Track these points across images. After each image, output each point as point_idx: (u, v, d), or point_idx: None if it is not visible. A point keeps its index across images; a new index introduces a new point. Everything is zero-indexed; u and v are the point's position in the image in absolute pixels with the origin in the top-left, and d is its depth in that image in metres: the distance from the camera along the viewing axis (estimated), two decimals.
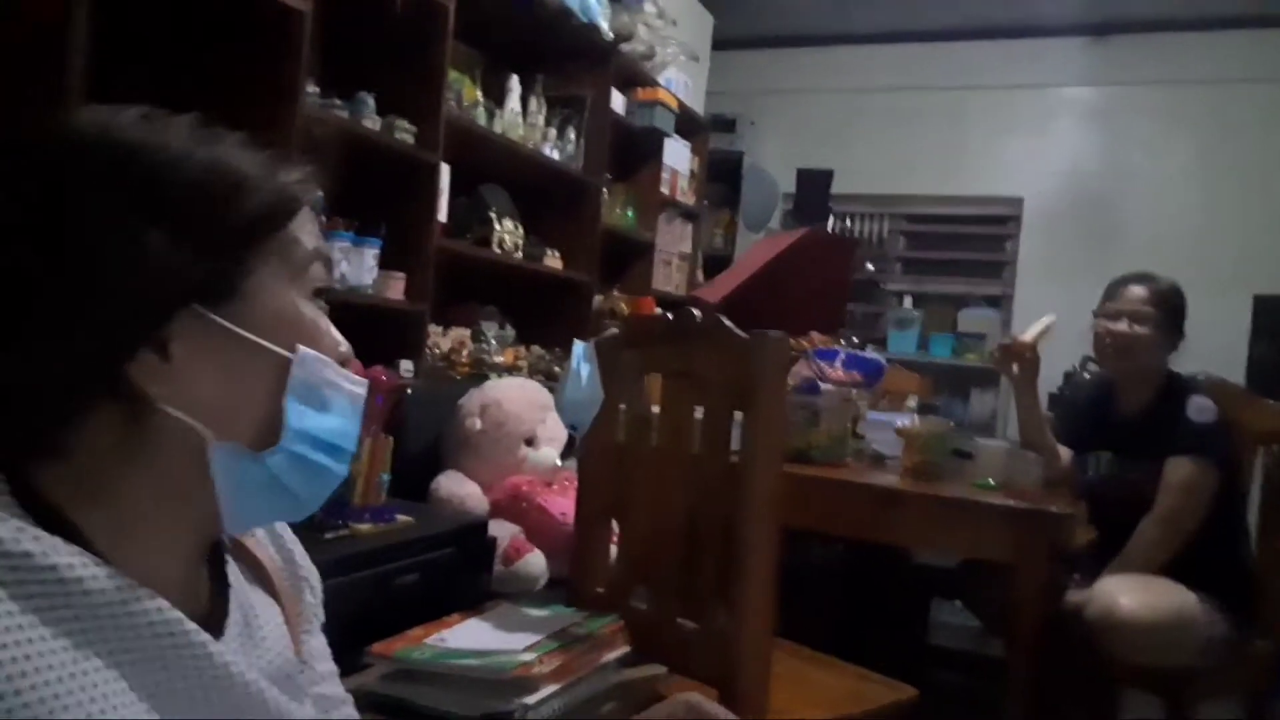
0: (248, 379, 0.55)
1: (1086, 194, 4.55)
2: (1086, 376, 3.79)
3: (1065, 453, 2.12)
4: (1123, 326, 2.00)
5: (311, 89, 1.94)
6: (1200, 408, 1.91)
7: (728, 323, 1.30)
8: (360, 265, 2.14)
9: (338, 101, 2.08)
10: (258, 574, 0.67)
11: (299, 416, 0.56)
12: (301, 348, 0.56)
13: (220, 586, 0.62)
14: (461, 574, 1.52)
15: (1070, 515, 1.76)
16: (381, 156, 2.21)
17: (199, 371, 0.53)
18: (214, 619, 0.59)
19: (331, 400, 0.58)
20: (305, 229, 0.58)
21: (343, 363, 0.60)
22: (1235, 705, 2.01)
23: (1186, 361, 2.09)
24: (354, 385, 0.60)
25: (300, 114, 1.78)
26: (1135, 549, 1.89)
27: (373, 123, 2.16)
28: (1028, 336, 2.05)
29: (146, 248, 0.50)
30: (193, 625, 0.53)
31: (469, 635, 1.22)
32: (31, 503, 0.50)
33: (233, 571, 0.64)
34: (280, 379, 0.56)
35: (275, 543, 0.71)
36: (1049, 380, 2.67)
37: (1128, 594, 1.73)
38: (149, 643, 0.51)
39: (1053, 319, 2.07)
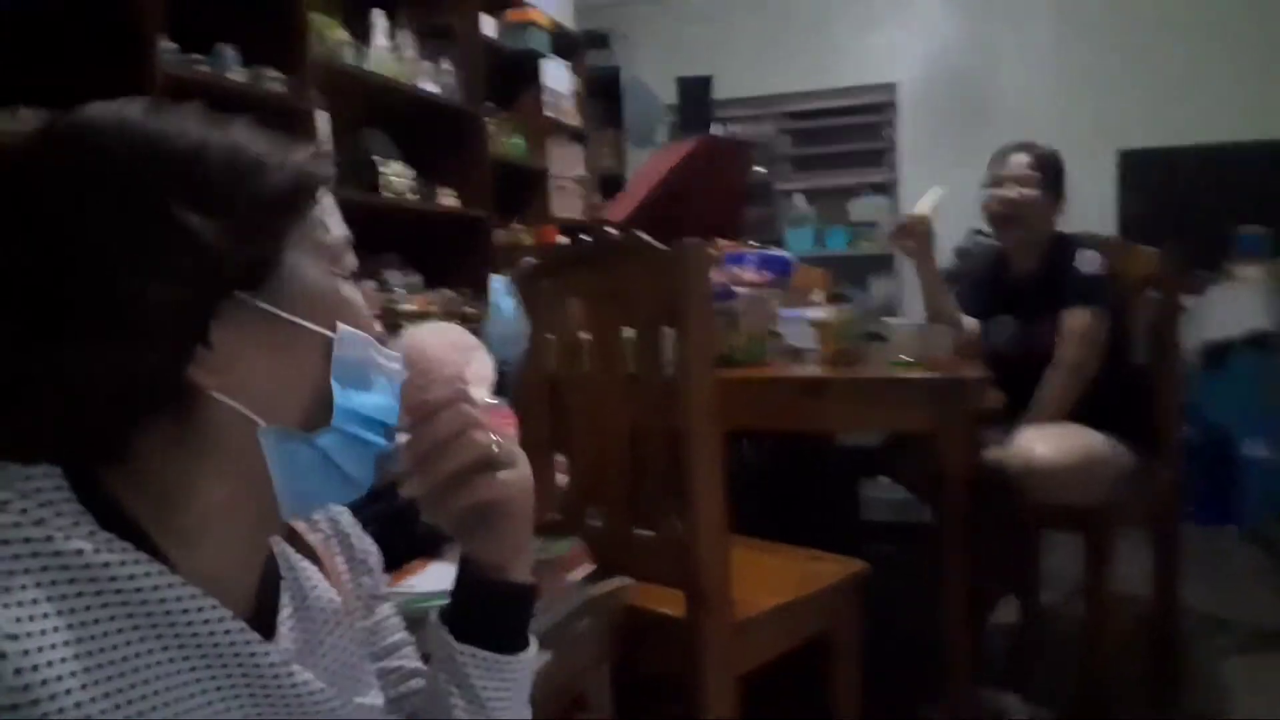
0: (292, 361, 0.55)
1: (955, 73, 4.66)
2: (975, 248, 3.96)
3: (970, 322, 2.22)
4: (1011, 193, 2.09)
5: (167, 45, 1.81)
6: (1088, 260, 2.03)
7: (647, 238, 1.30)
8: None
9: (197, 56, 1.95)
10: (314, 560, 0.67)
11: (346, 395, 0.56)
12: (343, 325, 0.56)
13: (272, 579, 0.62)
14: (415, 522, 1.51)
15: (984, 379, 1.86)
16: (253, 110, 2.09)
17: (244, 356, 0.52)
18: (264, 616, 0.59)
19: (374, 378, 0.58)
20: (329, 213, 0.58)
21: (381, 342, 0.60)
22: (1146, 532, 2.18)
23: (1064, 222, 2.21)
24: (394, 363, 0.61)
25: (158, 72, 1.66)
26: (1044, 399, 2.01)
27: (238, 75, 2.03)
28: (920, 210, 2.12)
29: (183, 239, 0.49)
30: (250, 633, 0.54)
31: (435, 579, 1.22)
32: (100, 507, 0.50)
33: (286, 563, 0.64)
34: (325, 359, 0.55)
35: (332, 526, 0.72)
36: (941, 258, 2.78)
37: (1043, 443, 1.85)
38: (209, 650, 0.52)
39: (941, 190, 2.15)
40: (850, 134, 5.01)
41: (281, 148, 0.55)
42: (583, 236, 1.45)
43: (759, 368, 1.99)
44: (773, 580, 1.52)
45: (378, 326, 0.61)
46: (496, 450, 0.60)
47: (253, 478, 0.54)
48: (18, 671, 0.44)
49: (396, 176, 2.64)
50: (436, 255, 2.97)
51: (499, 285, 1.45)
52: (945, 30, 4.68)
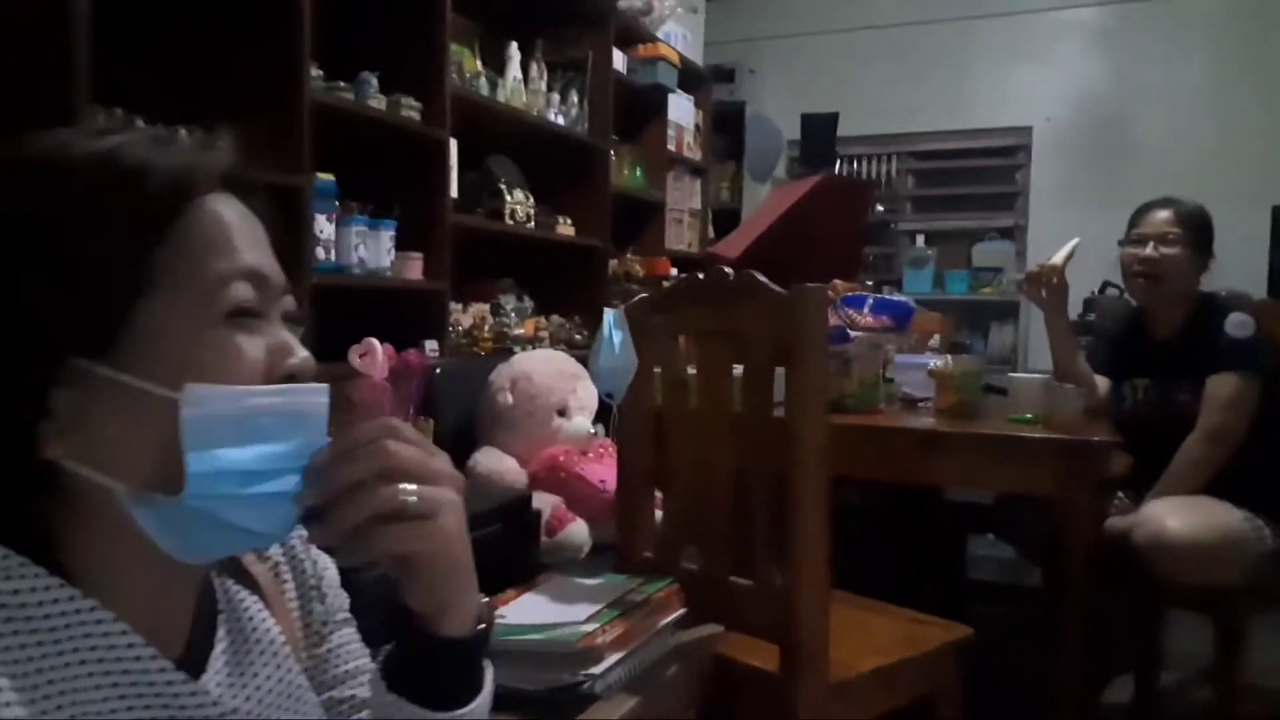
0: (140, 426, 0.49)
1: (1096, 117, 4.47)
2: (1107, 301, 3.77)
3: (1102, 382, 2.10)
4: (1150, 251, 1.99)
5: (315, 73, 1.91)
6: (1239, 323, 1.90)
7: (764, 279, 1.29)
8: (378, 248, 2.13)
9: (342, 84, 2.05)
10: (255, 589, 0.64)
11: (204, 458, 0.48)
12: (190, 386, 0.48)
13: (209, 614, 0.59)
14: (511, 549, 1.53)
15: (1112, 444, 1.76)
16: (389, 136, 2.19)
17: (92, 422, 0.49)
18: (197, 651, 0.57)
19: (250, 428, 0.50)
20: (218, 240, 0.51)
21: (291, 376, 0.53)
22: None
23: (1209, 278, 2.07)
24: (290, 398, 0.52)
25: (306, 99, 1.75)
26: (1180, 468, 1.88)
27: (378, 102, 2.13)
28: (1056, 260, 2.03)
29: (29, 305, 0.47)
30: (171, 669, 0.52)
31: (527, 610, 1.22)
32: (32, 545, 0.49)
33: (225, 596, 0.61)
34: (174, 423, 0.48)
35: (285, 552, 0.68)
36: (1070, 309, 2.65)
37: (1175, 515, 1.73)
38: (128, 682, 0.50)
39: (1078, 241, 2.05)
40: (979, 176, 4.86)
41: (159, 162, 0.50)
42: (698, 274, 1.44)
43: (871, 415, 1.94)
44: (873, 640, 1.46)
45: (294, 360, 0.54)
46: (412, 501, 0.51)
47: (134, 537, 0.50)
48: None
49: (519, 204, 2.71)
50: (552, 281, 3.03)
51: (609, 318, 1.45)
52: (1088, 71, 4.50)
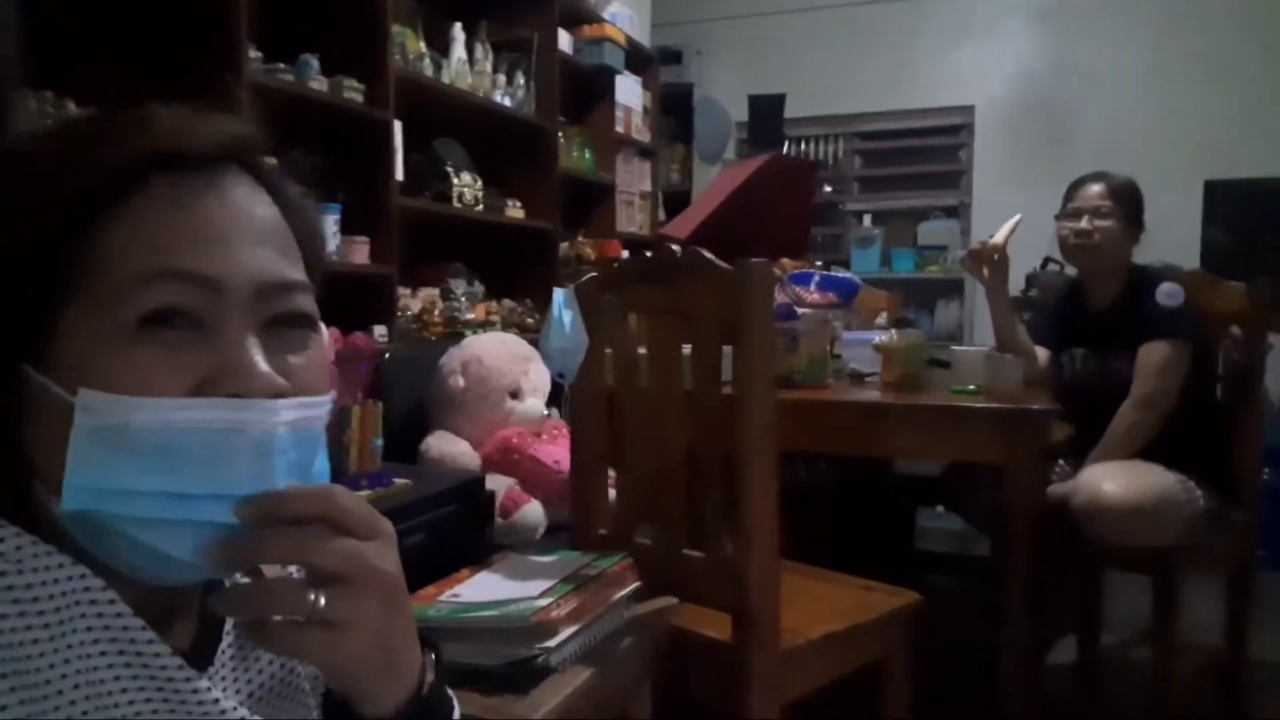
0: (54, 429, 0.45)
1: (1037, 96, 4.54)
2: (1047, 276, 3.86)
3: (1042, 353, 2.16)
4: (1085, 224, 2.04)
5: (254, 54, 1.87)
6: (1169, 293, 1.96)
7: (710, 256, 1.30)
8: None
9: (282, 66, 2.01)
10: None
11: (93, 470, 0.45)
12: (85, 390, 0.44)
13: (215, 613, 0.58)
14: (465, 530, 1.53)
15: (1051, 411, 1.81)
16: (332, 118, 2.15)
17: (26, 423, 0.47)
18: (200, 650, 0.55)
19: (165, 443, 0.45)
20: (145, 233, 0.46)
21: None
22: (1218, 577, 2.09)
23: (1143, 252, 2.14)
24: (216, 412, 0.46)
25: (245, 80, 1.72)
26: (1115, 434, 1.95)
27: (320, 84, 2.09)
28: (998, 238, 2.08)
29: None
30: (179, 662, 0.50)
31: (482, 588, 1.23)
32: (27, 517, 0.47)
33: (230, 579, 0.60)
34: (66, 429, 0.45)
35: None
36: (1013, 284, 2.71)
37: (1111, 480, 1.79)
38: (135, 672, 0.48)
39: (1019, 218, 2.10)
40: (923, 156, 4.93)
41: (71, 148, 0.47)
42: (646, 252, 1.44)
43: (819, 390, 1.97)
44: (823, 608, 1.49)
45: (247, 380, 0.47)
46: (320, 607, 0.46)
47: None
48: None
49: (467, 187, 2.69)
50: (501, 265, 3.01)
51: (559, 297, 1.45)
52: (1030, 51, 4.58)
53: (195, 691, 0.50)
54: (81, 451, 0.44)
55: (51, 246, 0.45)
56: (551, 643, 1.10)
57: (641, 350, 1.46)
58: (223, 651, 0.57)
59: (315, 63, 2.09)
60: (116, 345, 0.45)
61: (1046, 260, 4.04)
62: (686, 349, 1.36)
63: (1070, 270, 2.26)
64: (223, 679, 0.56)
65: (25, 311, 0.45)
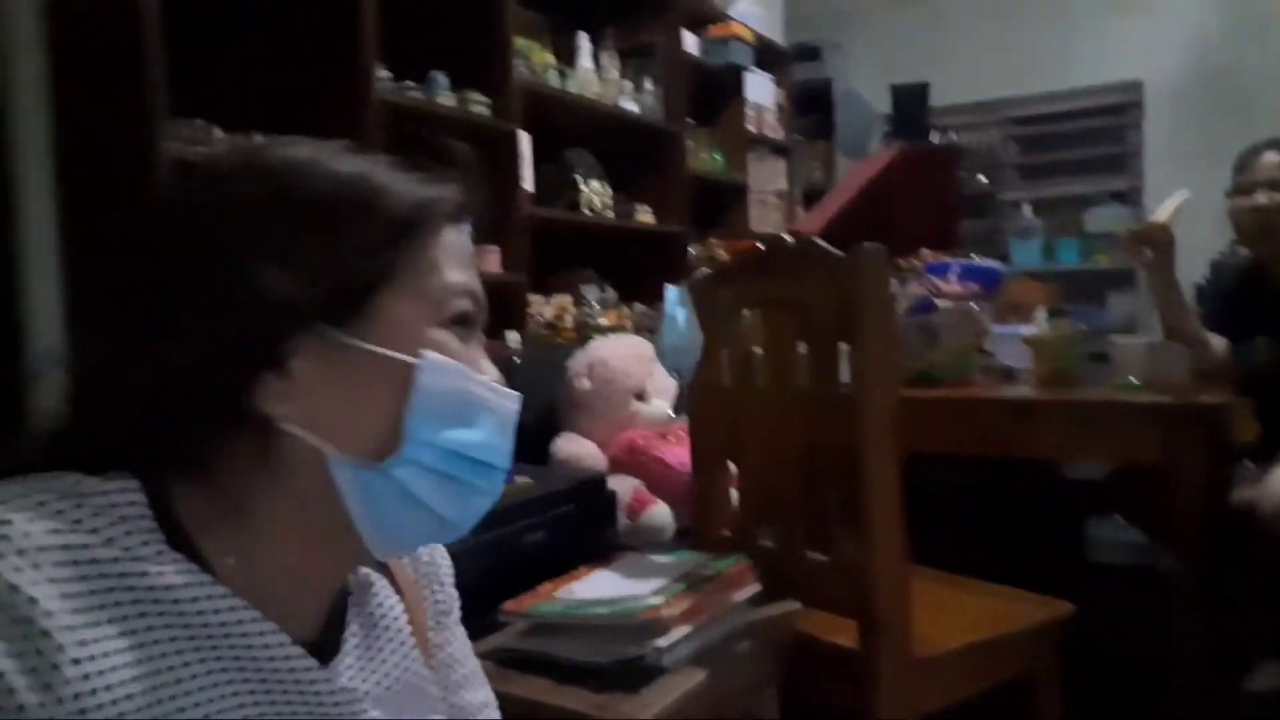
0: (370, 391, 0.54)
1: (1214, 66, 4.16)
2: (1231, 260, 3.50)
3: (1219, 341, 1.95)
4: (1261, 199, 1.83)
5: (383, 73, 1.96)
6: None
7: (820, 242, 1.24)
8: None
9: (410, 83, 2.10)
10: (384, 572, 0.66)
11: (426, 426, 0.54)
12: (429, 353, 0.54)
13: (341, 597, 0.61)
14: (585, 528, 1.53)
15: (1226, 405, 1.62)
16: (461, 132, 2.23)
17: (322, 387, 0.52)
18: (329, 641, 0.59)
19: (468, 412, 0.56)
20: (449, 259, 0.57)
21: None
22: None
23: None
24: (499, 398, 0.58)
25: (374, 99, 1.80)
26: None
27: (447, 99, 2.17)
28: (1159, 217, 1.90)
29: (263, 274, 0.51)
30: (305, 659, 0.54)
31: (597, 586, 1.22)
32: (170, 525, 0.51)
33: (355, 579, 0.63)
34: (401, 394, 0.54)
35: None
36: (1193, 271, 2.47)
37: None
38: (261, 671, 0.52)
39: (1185, 195, 1.91)
40: (1087, 138, 4.60)
41: (406, 184, 0.56)
42: (759, 245, 1.40)
43: (962, 386, 1.86)
44: (965, 617, 1.39)
45: (489, 373, 0.59)
46: None
47: (324, 511, 0.54)
48: (86, 676, 0.45)
49: (597, 195, 2.72)
50: (634, 270, 3.02)
51: (673, 296, 1.43)
52: (1201, 19, 4.19)
53: (326, 682, 0.55)
54: (422, 405, 0.54)
55: (391, 245, 0.55)
56: (663, 642, 1.08)
57: (757, 348, 1.41)
58: (346, 641, 0.60)
59: (443, 79, 2.16)
60: (436, 333, 0.55)
61: (1234, 244, 3.67)
62: (804, 347, 1.31)
63: (1245, 250, 2.03)
64: (348, 667, 0.59)
65: (350, 287, 0.53)
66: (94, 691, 0.45)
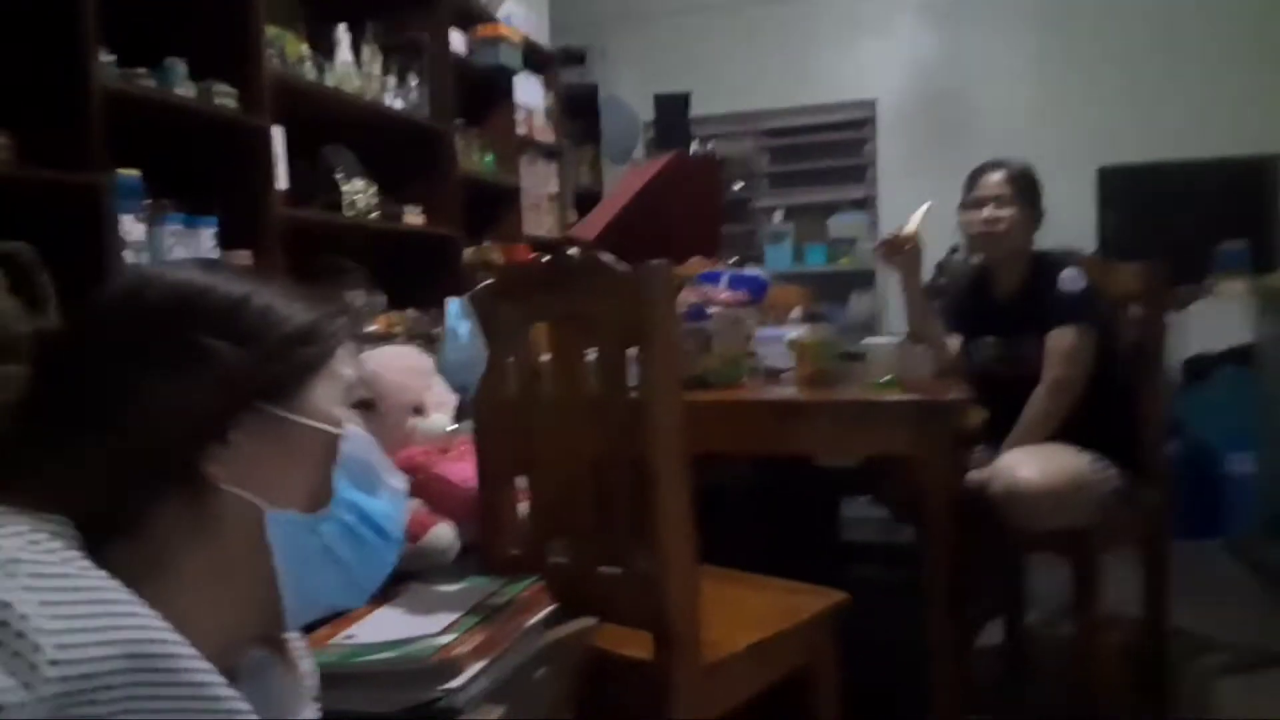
0: (300, 456, 0.63)
1: (935, 88, 4.64)
2: (954, 264, 3.92)
3: (953, 341, 2.16)
4: (989, 212, 2.05)
5: (107, 58, 1.72)
6: (1071, 278, 1.98)
7: (607, 259, 1.23)
8: (197, 247, 1.95)
9: (141, 70, 1.86)
10: (275, 650, 0.71)
11: (347, 489, 0.65)
12: (350, 426, 0.65)
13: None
14: None
15: (964, 401, 1.80)
16: (203, 126, 2.01)
17: (256, 453, 0.61)
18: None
19: (376, 484, 0.68)
20: (345, 358, 0.68)
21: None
22: (1133, 550, 2.12)
23: (1041, 238, 2.16)
24: (397, 477, 0.70)
25: (96, 88, 1.57)
26: (1028, 420, 1.96)
27: (186, 90, 1.95)
28: (910, 227, 2.07)
29: (208, 362, 0.59)
30: (229, 688, 0.58)
31: (379, 627, 1.14)
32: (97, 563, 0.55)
33: (249, 662, 0.68)
34: (329, 457, 0.64)
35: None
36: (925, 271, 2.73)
37: (1026, 465, 1.79)
38: (185, 689, 0.55)
39: (930, 205, 2.10)
40: (829, 150, 4.98)
41: (310, 302, 0.67)
42: (543, 257, 1.37)
43: (734, 389, 1.93)
44: (747, 616, 1.44)
45: (380, 455, 0.69)
46: None
47: (248, 565, 0.61)
48: (64, 678, 0.48)
49: (359, 194, 2.56)
50: (403, 275, 2.89)
51: (454, 309, 1.37)
52: (925, 46, 4.66)
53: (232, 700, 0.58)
54: (341, 470, 0.65)
55: (309, 343, 0.65)
56: (455, 683, 1.01)
57: (545, 357, 1.38)
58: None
59: (181, 66, 1.94)
60: (345, 412, 0.66)
61: (954, 248, 4.11)
62: (591, 353, 1.30)
63: (976, 258, 2.27)
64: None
65: (289, 374, 0.64)
66: (70, 694, 0.48)
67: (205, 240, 1.98)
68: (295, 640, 0.76)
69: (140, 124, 1.78)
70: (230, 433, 0.60)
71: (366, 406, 0.69)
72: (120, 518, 0.58)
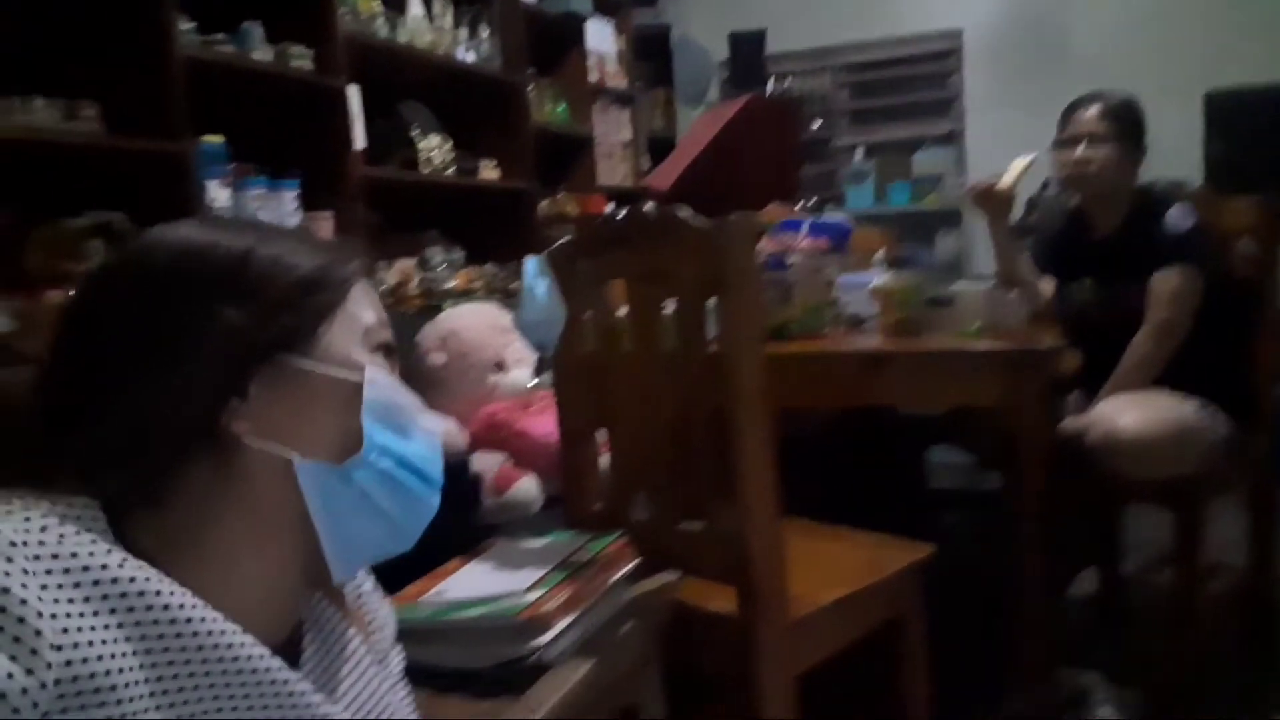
0: (324, 405, 0.62)
1: (1027, 16, 4.40)
2: (1047, 201, 3.75)
3: (1047, 284, 2.07)
4: (1080, 152, 1.94)
5: (186, 25, 1.75)
6: (1178, 216, 1.88)
7: (684, 214, 1.21)
8: (280, 210, 1.99)
9: (220, 36, 1.88)
10: (342, 609, 0.71)
11: (378, 432, 0.63)
12: (371, 369, 0.63)
13: (295, 634, 0.66)
14: (449, 518, 1.46)
15: (1058, 349, 1.73)
16: (281, 89, 2.03)
17: (277, 406, 0.60)
18: (290, 650, 0.64)
19: (408, 426, 0.66)
20: (362, 301, 0.66)
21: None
22: (1238, 499, 2.03)
23: (1144, 170, 2.03)
24: (428, 417, 0.68)
25: (177, 55, 1.60)
26: (1129, 366, 1.87)
27: (263, 53, 1.97)
28: (1006, 182, 1.99)
29: (219, 322, 0.58)
30: (276, 659, 0.58)
31: (468, 583, 1.16)
32: (128, 547, 0.54)
33: (311, 611, 0.68)
34: (354, 403, 0.62)
35: (354, 589, 0.75)
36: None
37: (1127, 413, 1.71)
38: (232, 670, 0.56)
39: (1032, 159, 2.01)
40: (913, 85, 4.78)
41: (321, 245, 0.66)
42: (617, 214, 1.35)
43: (816, 339, 1.89)
44: (832, 570, 1.42)
45: (410, 398, 0.67)
46: None
47: (284, 521, 0.60)
48: (68, 663, 0.48)
49: (436, 150, 2.57)
50: (479, 229, 2.89)
51: (532, 267, 1.36)
52: None
53: (290, 692, 0.59)
54: (368, 415, 0.62)
55: (328, 289, 0.64)
56: (544, 639, 1.03)
57: (622, 314, 1.37)
58: (305, 661, 0.65)
59: (258, 30, 1.96)
60: (368, 355, 0.65)
61: (1045, 184, 3.93)
62: (669, 306, 1.28)
63: (1072, 198, 2.16)
64: (310, 670, 0.65)
65: (302, 328, 0.62)
66: (75, 679, 0.48)
67: (288, 202, 2.02)
68: (362, 586, 0.76)
69: (221, 89, 1.81)
70: (250, 387, 0.59)
71: (389, 351, 0.67)
72: (147, 489, 0.57)
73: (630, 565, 1.20)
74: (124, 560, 0.53)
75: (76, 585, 0.50)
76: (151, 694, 0.52)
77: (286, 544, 0.61)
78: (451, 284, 2.52)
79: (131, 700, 0.50)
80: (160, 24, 1.59)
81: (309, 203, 2.08)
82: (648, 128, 4.45)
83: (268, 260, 0.62)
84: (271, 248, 0.63)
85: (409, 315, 2.31)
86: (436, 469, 0.68)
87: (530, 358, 1.95)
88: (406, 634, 1.07)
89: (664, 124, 4.72)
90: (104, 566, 0.51)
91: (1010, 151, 2.07)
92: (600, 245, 1.39)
